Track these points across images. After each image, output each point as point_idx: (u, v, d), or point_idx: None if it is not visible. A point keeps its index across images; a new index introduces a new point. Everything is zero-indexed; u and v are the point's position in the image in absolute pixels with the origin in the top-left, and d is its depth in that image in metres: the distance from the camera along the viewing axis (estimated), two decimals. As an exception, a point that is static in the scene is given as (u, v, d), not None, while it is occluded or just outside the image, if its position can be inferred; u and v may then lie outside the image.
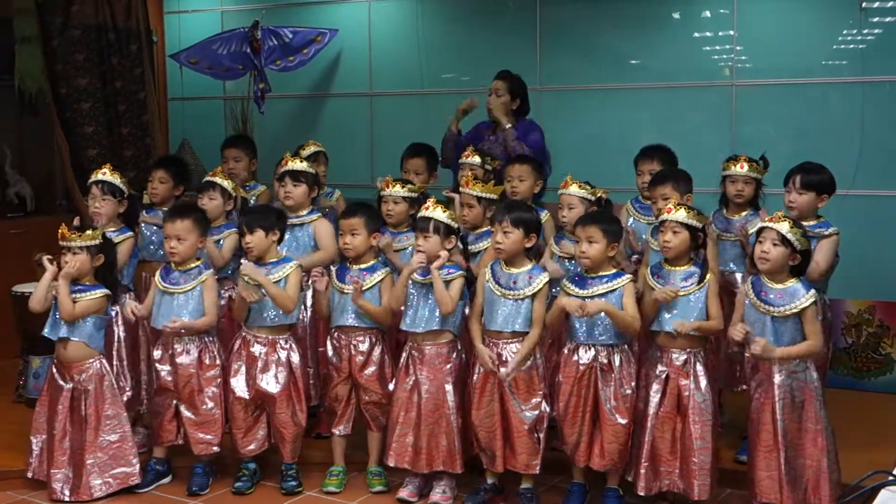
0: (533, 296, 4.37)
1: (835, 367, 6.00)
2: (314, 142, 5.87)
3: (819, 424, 4.08)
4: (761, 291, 4.12)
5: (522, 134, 5.74)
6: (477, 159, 5.39)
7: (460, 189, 5.06)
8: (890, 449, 4.83)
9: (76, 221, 4.86)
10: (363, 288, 4.60)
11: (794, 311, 4.04)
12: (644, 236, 4.94)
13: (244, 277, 4.60)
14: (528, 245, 4.45)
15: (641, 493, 4.32)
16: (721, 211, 5.00)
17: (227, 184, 5.21)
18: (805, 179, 4.64)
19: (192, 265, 4.74)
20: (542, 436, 4.43)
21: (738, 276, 4.84)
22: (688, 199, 4.69)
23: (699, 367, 4.26)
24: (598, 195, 4.81)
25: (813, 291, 4.08)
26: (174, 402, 4.77)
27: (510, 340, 4.39)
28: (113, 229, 4.99)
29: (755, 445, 4.15)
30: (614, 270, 4.38)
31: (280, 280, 4.65)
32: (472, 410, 4.47)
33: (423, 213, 4.57)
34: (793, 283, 4.09)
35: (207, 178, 5.26)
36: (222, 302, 5.01)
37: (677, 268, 4.32)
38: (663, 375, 4.28)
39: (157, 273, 4.81)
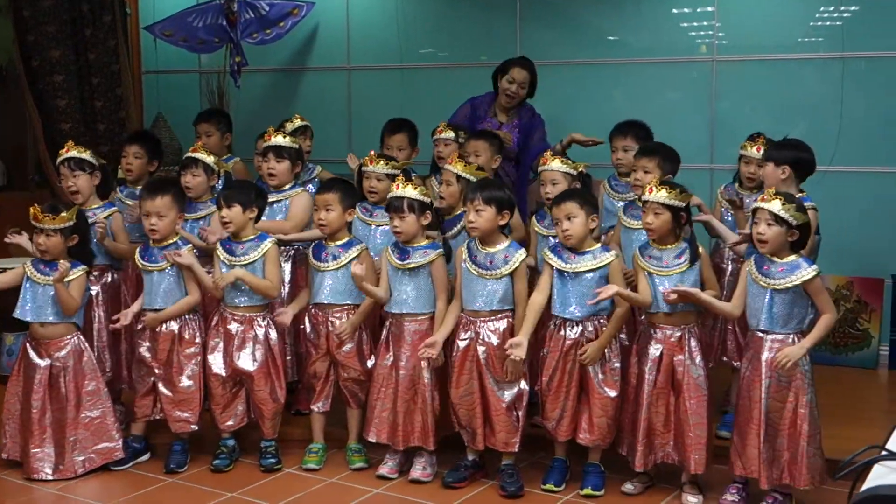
0: (511, 274, 4.36)
1: (813, 343, 6.02)
2: (299, 116, 5.80)
3: (804, 408, 4.01)
4: (763, 266, 4.07)
5: (525, 130, 5.70)
6: (451, 133, 5.35)
7: (442, 166, 4.99)
8: (870, 423, 4.89)
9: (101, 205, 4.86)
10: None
11: (796, 283, 3.98)
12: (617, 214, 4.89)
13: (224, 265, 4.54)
14: (502, 223, 4.41)
15: (639, 469, 4.33)
16: (733, 185, 4.97)
17: (209, 159, 5.06)
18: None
19: (170, 241, 4.69)
20: (521, 413, 4.42)
21: (744, 246, 4.64)
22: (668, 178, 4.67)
23: (693, 343, 4.25)
24: (580, 169, 4.78)
25: (816, 266, 4.03)
26: (151, 378, 4.73)
27: (488, 318, 4.39)
28: (97, 206, 4.94)
29: (747, 422, 4.10)
30: (599, 245, 4.37)
31: (256, 260, 4.61)
32: (451, 388, 4.45)
33: (394, 192, 4.51)
34: (794, 259, 4.03)
35: (189, 155, 5.10)
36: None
37: (667, 246, 4.27)
38: (658, 353, 4.26)
39: (137, 252, 4.76)
